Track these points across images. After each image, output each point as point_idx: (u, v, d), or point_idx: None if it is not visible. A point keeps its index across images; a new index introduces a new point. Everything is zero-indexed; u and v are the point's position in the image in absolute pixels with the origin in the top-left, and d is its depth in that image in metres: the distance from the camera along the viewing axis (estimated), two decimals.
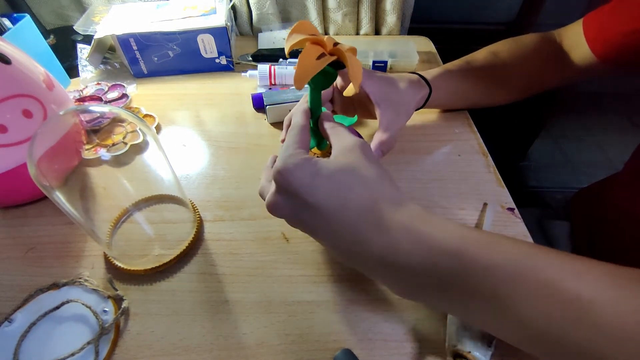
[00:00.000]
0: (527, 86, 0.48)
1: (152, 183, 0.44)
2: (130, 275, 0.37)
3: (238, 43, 0.72)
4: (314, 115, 0.35)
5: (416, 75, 0.47)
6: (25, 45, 0.42)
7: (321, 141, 0.38)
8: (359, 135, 0.39)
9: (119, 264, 0.37)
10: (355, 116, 0.42)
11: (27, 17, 0.55)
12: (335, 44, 0.31)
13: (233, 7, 0.72)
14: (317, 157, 0.35)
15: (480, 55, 0.48)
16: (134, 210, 0.43)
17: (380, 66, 0.64)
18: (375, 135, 0.41)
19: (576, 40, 0.44)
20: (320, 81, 0.32)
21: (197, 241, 0.40)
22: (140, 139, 0.51)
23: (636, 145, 0.47)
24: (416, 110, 0.47)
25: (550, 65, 0.46)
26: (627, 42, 0.39)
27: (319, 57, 0.29)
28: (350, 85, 0.32)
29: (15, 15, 0.56)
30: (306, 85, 0.30)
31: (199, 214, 0.42)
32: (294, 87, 0.56)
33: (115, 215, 0.41)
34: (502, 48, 0.47)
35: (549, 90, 0.48)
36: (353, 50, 0.32)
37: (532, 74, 0.46)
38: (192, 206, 0.42)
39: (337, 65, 0.31)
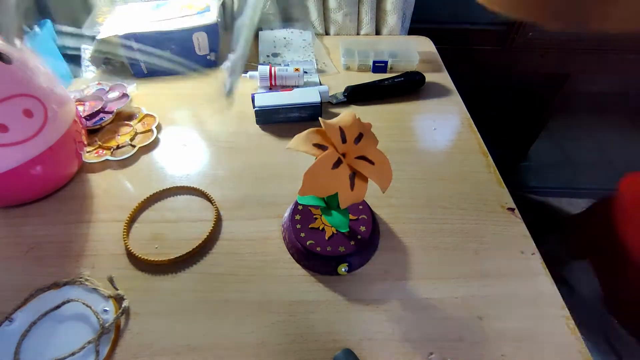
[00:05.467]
0: None
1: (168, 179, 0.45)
2: (141, 270, 0.37)
3: None
4: (330, 207, 0.34)
5: None
6: (43, 48, 0.43)
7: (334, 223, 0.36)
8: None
9: (143, 256, 0.37)
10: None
11: (48, 22, 0.56)
12: (359, 136, 0.29)
13: (223, 4, 0.72)
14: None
15: None
16: (149, 206, 0.43)
17: (380, 66, 0.65)
18: None
19: None
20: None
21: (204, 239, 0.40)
22: (151, 140, 0.51)
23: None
24: None
25: None
26: None
27: (334, 166, 0.28)
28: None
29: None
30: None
31: (217, 212, 0.42)
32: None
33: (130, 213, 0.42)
34: None
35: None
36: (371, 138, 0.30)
37: None
38: (213, 204, 0.43)
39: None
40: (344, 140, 0.29)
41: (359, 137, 0.30)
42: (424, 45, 0.73)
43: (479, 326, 0.33)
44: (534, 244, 0.40)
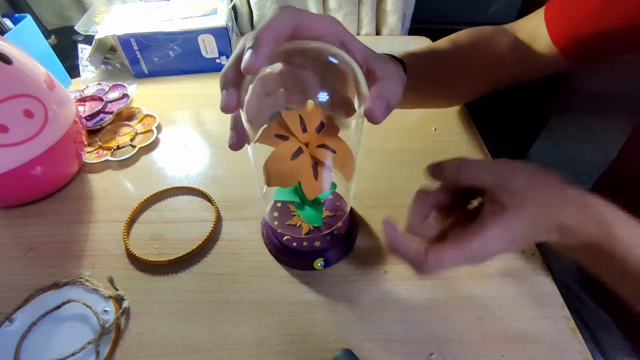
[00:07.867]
0: (486, 77, 0.46)
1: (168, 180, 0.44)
2: (141, 270, 0.37)
3: None
4: (304, 202, 0.33)
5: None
6: (27, 45, 0.43)
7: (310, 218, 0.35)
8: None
9: (143, 256, 0.37)
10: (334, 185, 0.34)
11: (28, 17, 0.55)
12: (321, 126, 0.28)
13: (234, 7, 0.72)
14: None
15: (441, 43, 0.47)
16: (149, 206, 0.43)
17: None
18: (373, 88, 0.26)
19: (536, 30, 0.42)
20: None
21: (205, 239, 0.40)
22: (151, 140, 0.51)
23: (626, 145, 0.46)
24: None
25: (508, 55, 0.44)
26: (586, 28, 0.36)
27: (294, 156, 0.27)
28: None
29: (16, 15, 0.56)
30: None
31: (217, 212, 0.42)
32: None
33: (129, 214, 0.42)
34: (461, 36, 0.46)
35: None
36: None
37: (491, 62, 0.45)
38: (213, 204, 0.43)
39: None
40: (304, 130, 0.28)
41: (321, 127, 0.29)
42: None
43: (479, 326, 0.33)
44: (534, 244, 0.40)
